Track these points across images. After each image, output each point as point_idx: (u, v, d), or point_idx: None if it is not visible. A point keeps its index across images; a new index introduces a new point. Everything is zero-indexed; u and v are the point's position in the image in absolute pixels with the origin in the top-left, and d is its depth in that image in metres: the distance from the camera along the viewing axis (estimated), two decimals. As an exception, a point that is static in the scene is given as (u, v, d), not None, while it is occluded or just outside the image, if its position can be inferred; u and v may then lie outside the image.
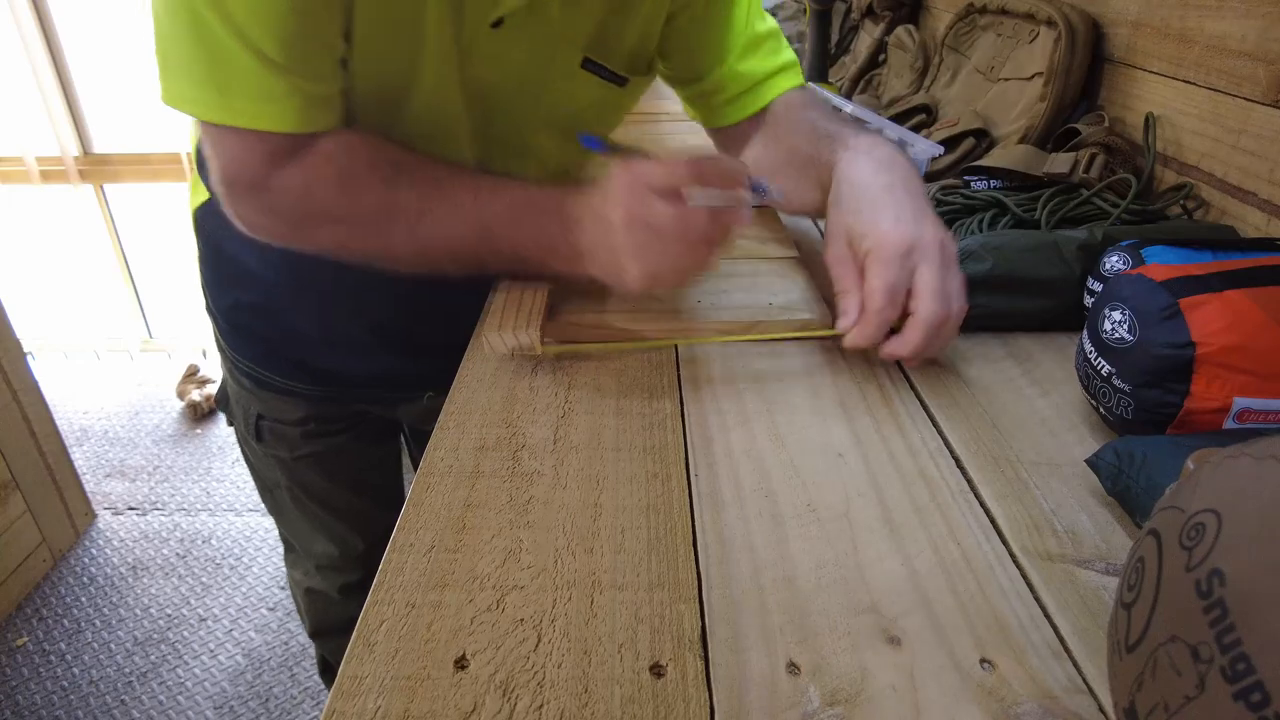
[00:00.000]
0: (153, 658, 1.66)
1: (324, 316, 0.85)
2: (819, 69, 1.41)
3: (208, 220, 0.82)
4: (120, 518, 2.07)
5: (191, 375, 2.59)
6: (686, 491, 0.53)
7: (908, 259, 0.58)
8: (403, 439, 1.18)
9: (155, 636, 1.71)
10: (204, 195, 0.80)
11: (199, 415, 2.48)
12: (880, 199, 0.61)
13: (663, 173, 0.54)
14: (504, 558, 0.47)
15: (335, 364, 0.89)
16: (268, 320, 0.87)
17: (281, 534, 1.15)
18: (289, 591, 1.31)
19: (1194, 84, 0.85)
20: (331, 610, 1.16)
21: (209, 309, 0.92)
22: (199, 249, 0.87)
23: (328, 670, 1.30)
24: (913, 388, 0.65)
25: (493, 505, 0.51)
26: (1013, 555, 0.48)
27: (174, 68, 0.58)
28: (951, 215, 0.90)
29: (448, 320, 0.82)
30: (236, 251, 0.82)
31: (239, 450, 1.06)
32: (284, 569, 1.84)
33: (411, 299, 0.83)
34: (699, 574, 0.46)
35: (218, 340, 0.94)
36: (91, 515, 2.05)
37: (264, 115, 0.57)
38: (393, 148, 0.63)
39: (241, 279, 0.84)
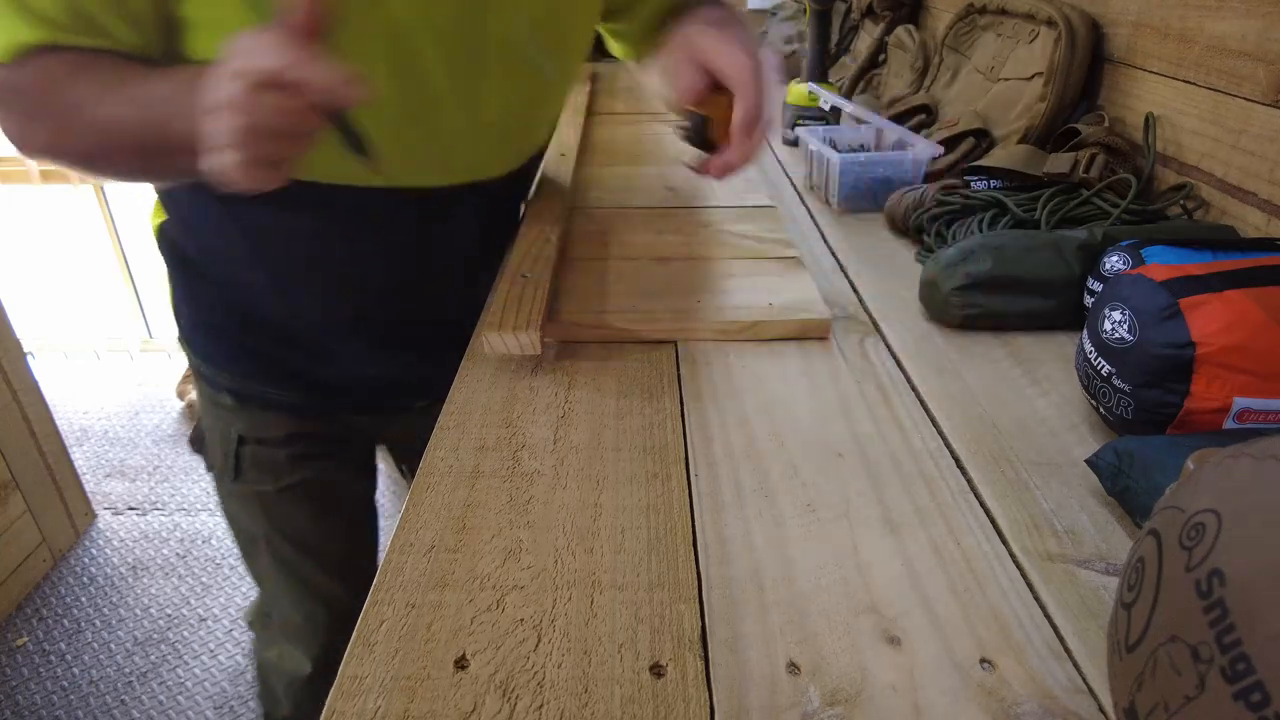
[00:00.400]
0: (153, 658, 1.66)
1: (301, 305, 0.80)
2: (819, 69, 1.40)
3: (169, 232, 0.80)
4: (120, 518, 2.07)
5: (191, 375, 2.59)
6: (686, 491, 0.53)
7: (758, 78, 0.67)
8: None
9: (155, 636, 1.71)
10: (163, 215, 0.80)
11: (199, 415, 2.48)
12: (725, 32, 0.71)
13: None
14: (504, 558, 0.47)
15: (318, 364, 0.84)
16: (244, 319, 0.82)
17: (258, 608, 1.05)
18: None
19: (1194, 84, 0.85)
20: (307, 693, 1.02)
21: (182, 335, 0.87)
22: (167, 269, 0.84)
23: None
24: (913, 388, 0.65)
25: (493, 505, 0.51)
26: (1013, 555, 0.48)
27: None
28: (951, 215, 0.90)
29: (431, 305, 0.80)
30: (203, 252, 0.79)
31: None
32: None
33: (390, 283, 0.80)
34: (699, 574, 0.46)
35: (195, 368, 0.89)
36: (91, 515, 2.05)
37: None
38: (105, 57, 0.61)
39: (213, 280, 0.81)
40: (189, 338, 0.87)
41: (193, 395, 2.51)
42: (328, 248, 0.76)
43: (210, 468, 0.94)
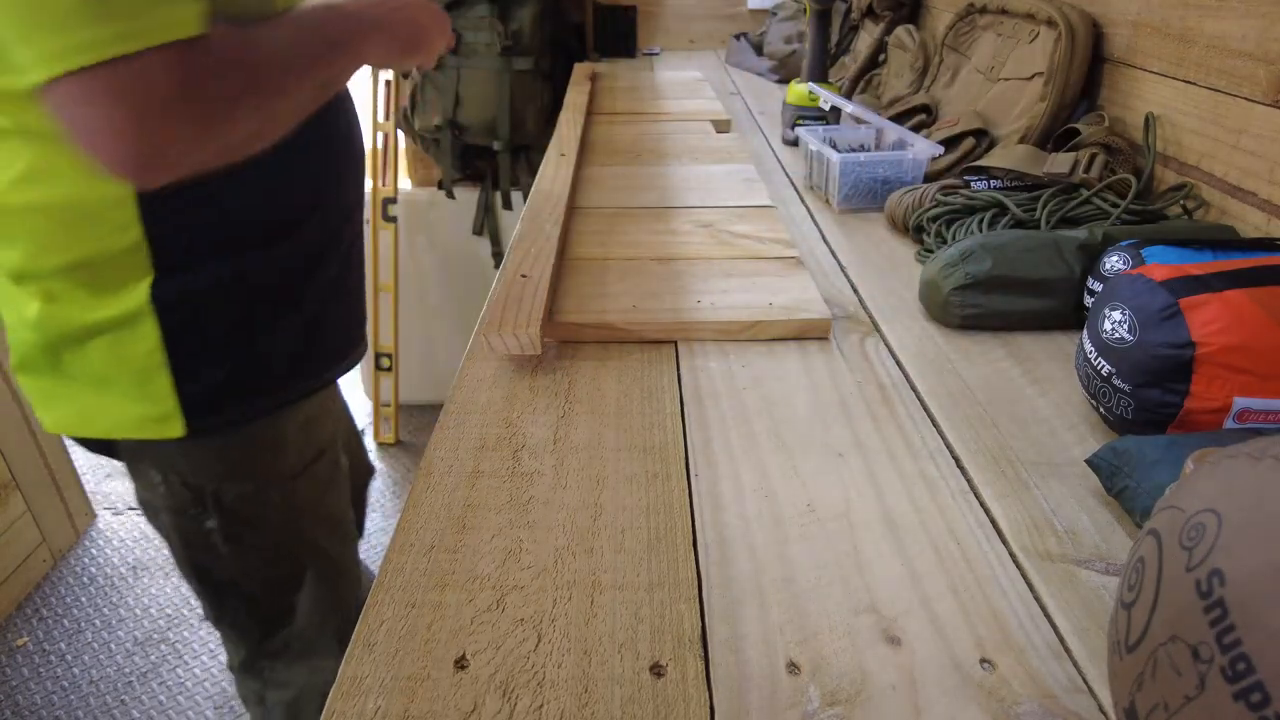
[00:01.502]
0: (153, 658, 1.66)
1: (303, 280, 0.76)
2: (819, 69, 1.40)
3: (173, 289, 0.68)
4: (120, 518, 2.07)
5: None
6: (686, 491, 0.53)
7: None
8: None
9: (155, 636, 1.71)
10: (146, 276, 0.66)
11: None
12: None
13: None
14: (504, 558, 0.47)
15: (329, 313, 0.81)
16: (272, 331, 0.75)
17: (267, 647, 0.94)
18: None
19: (1194, 84, 0.85)
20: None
21: (192, 406, 0.72)
22: (163, 339, 0.69)
23: None
24: (913, 388, 0.65)
25: (493, 505, 0.51)
26: (1013, 555, 0.48)
27: (49, 24, 0.47)
28: (951, 215, 0.90)
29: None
30: (215, 291, 0.70)
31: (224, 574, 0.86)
32: None
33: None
34: (699, 574, 0.46)
35: (219, 438, 0.76)
36: (91, 515, 2.05)
37: (175, 23, 0.49)
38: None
39: (238, 316, 0.73)
40: (221, 400, 0.74)
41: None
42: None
43: (229, 537, 0.82)
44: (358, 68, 0.71)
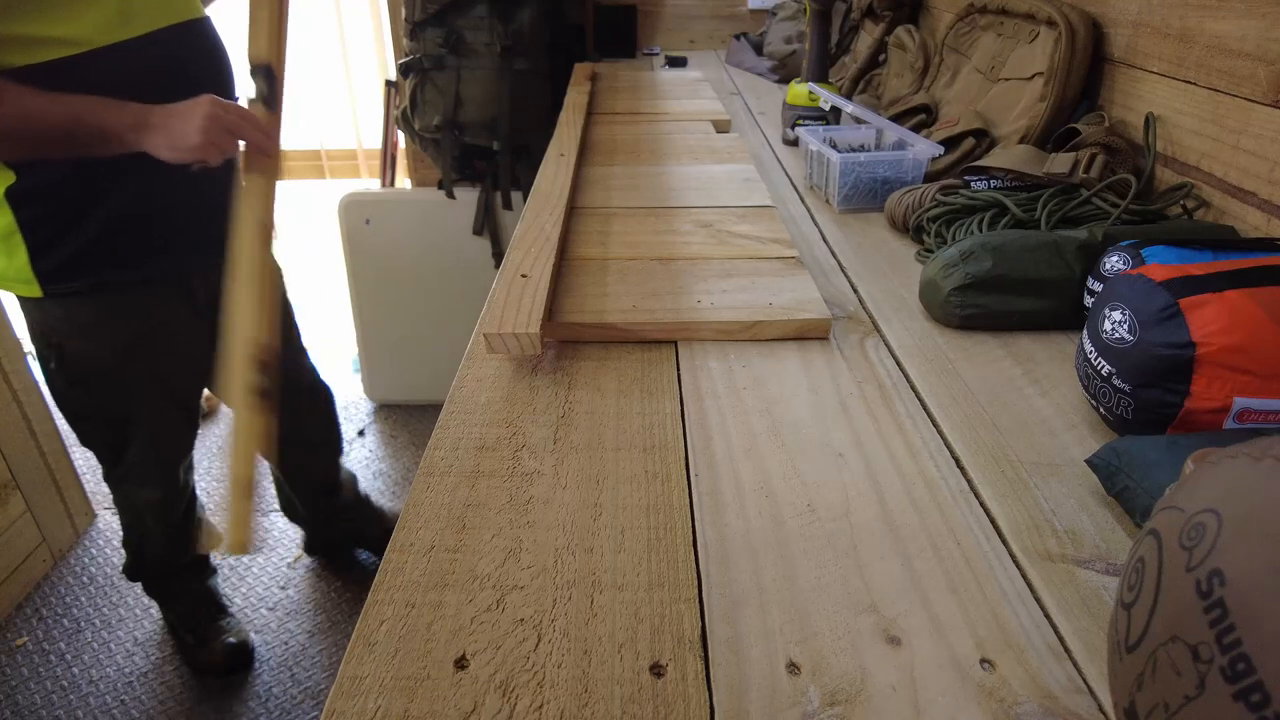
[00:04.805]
0: (153, 658, 1.66)
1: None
2: (819, 69, 1.40)
3: (21, 186, 1.05)
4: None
5: (191, 375, 2.58)
6: (686, 491, 0.53)
7: None
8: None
9: (155, 636, 1.71)
10: (7, 179, 1.05)
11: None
12: None
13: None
14: (504, 558, 0.47)
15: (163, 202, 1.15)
16: (112, 218, 1.09)
17: (118, 471, 1.38)
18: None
19: (1194, 84, 0.85)
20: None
21: (44, 273, 1.08)
22: (17, 221, 1.06)
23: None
24: (913, 388, 0.65)
25: (493, 505, 0.51)
26: (1013, 555, 0.48)
27: None
28: (951, 215, 0.90)
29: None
30: (59, 189, 1.05)
31: (71, 406, 1.28)
32: (286, 572, 1.84)
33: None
34: (699, 574, 0.46)
35: (57, 304, 1.12)
36: (91, 515, 2.05)
37: None
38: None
39: (74, 208, 1.06)
40: (63, 270, 1.09)
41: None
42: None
43: (72, 381, 1.20)
44: (112, 150, 0.96)
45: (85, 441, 1.34)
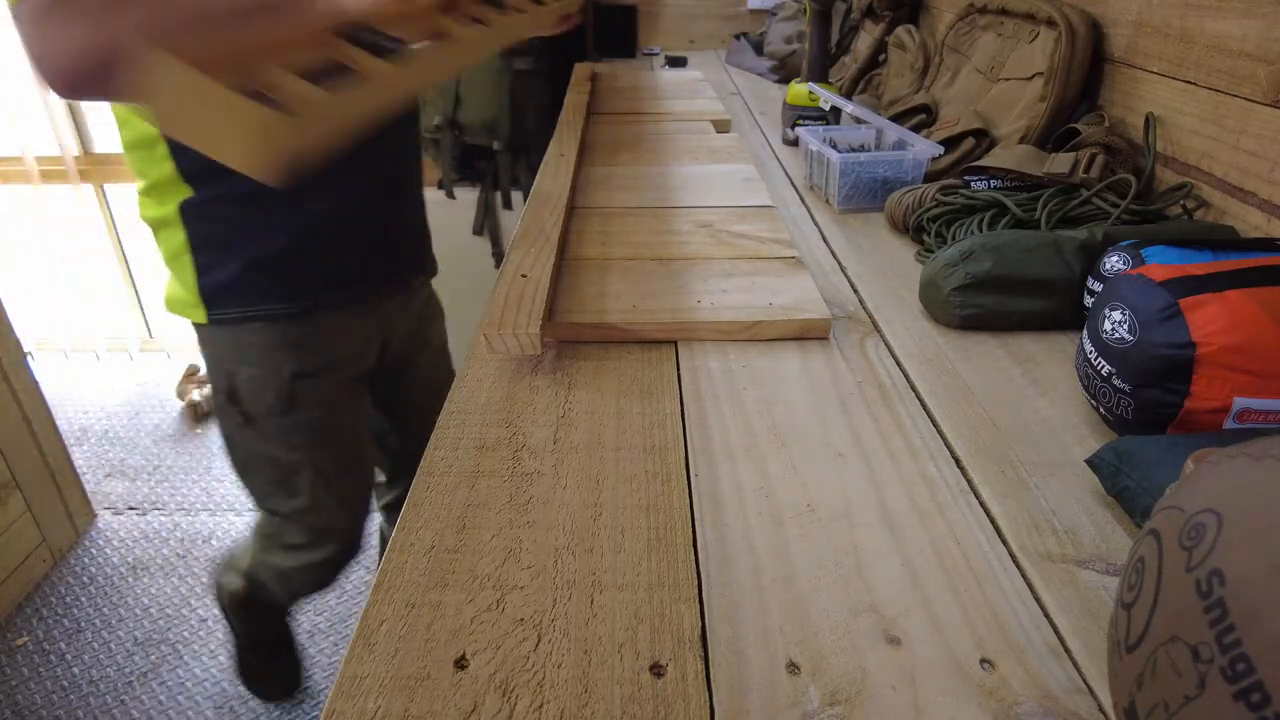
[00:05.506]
0: (153, 658, 1.66)
1: (339, 198, 0.95)
2: (819, 69, 1.40)
3: (195, 207, 0.91)
4: (120, 518, 2.06)
5: (191, 375, 2.58)
6: (686, 491, 0.53)
7: None
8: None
9: (155, 636, 1.71)
10: (182, 195, 0.90)
11: (199, 415, 2.48)
12: None
13: None
14: (504, 558, 0.47)
15: (351, 243, 1.00)
16: (303, 237, 0.95)
17: (275, 523, 1.19)
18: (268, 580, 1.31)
19: (1194, 84, 0.85)
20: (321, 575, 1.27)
21: (214, 302, 0.96)
22: (192, 246, 0.93)
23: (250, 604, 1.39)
24: (913, 388, 0.65)
25: (493, 505, 0.51)
26: (1013, 555, 0.48)
27: None
28: (951, 215, 0.90)
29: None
30: (235, 205, 0.91)
31: (241, 453, 1.10)
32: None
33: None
34: (699, 574, 0.46)
35: (224, 331, 0.98)
36: (91, 515, 2.05)
37: None
38: None
39: (246, 226, 0.92)
40: (229, 293, 0.96)
41: (193, 395, 2.51)
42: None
43: (246, 419, 1.05)
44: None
45: (257, 499, 1.17)
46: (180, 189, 0.90)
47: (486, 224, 2.23)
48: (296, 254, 0.96)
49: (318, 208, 0.95)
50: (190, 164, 0.88)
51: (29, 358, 1.85)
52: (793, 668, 0.40)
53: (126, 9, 0.62)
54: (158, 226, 0.94)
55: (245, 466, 1.11)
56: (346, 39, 0.54)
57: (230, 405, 1.04)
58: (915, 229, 0.94)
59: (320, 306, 1.00)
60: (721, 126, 1.42)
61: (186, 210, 0.91)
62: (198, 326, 0.99)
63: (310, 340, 1.02)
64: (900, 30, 1.50)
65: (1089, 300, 0.71)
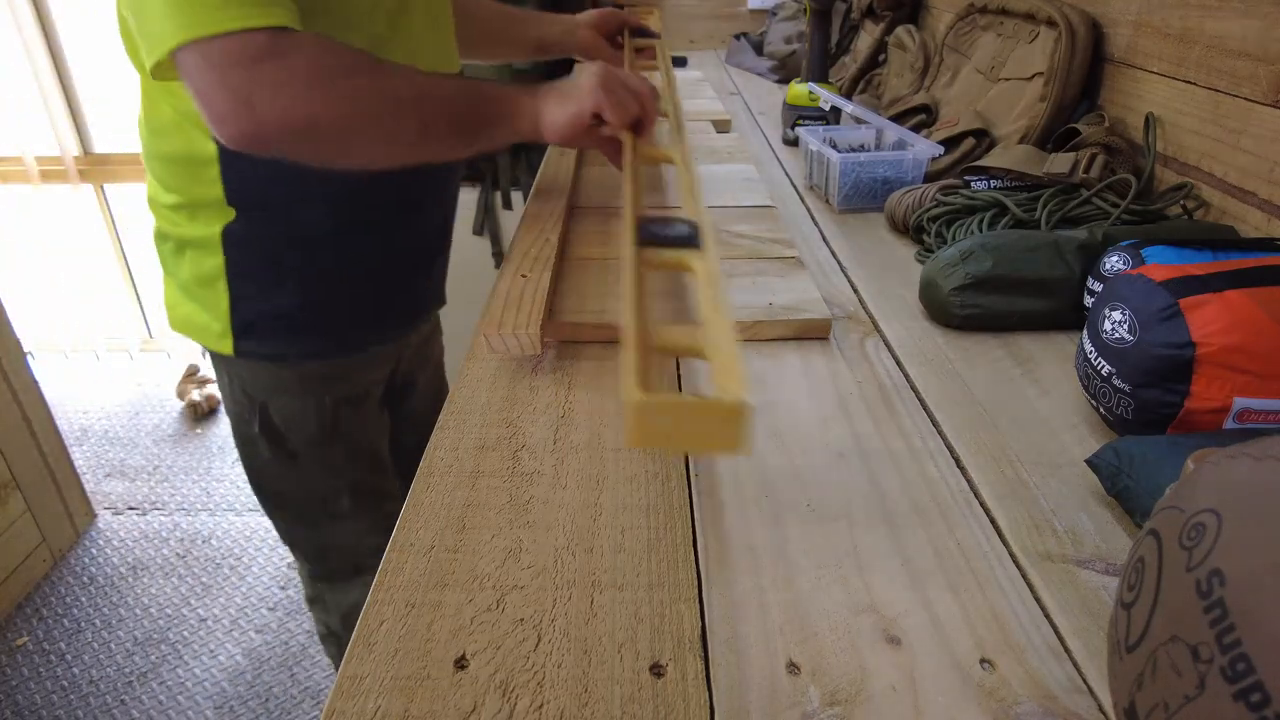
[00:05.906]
0: (153, 658, 1.66)
1: (370, 245, 0.92)
2: (819, 69, 1.40)
3: (241, 234, 0.84)
4: (120, 518, 2.07)
5: (191, 375, 2.58)
6: (686, 491, 0.53)
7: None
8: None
9: (155, 636, 1.71)
10: (227, 216, 0.83)
11: (199, 415, 2.48)
12: None
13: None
14: (504, 558, 0.47)
15: (393, 288, 0.97)
16: (332, 284, 0.91)
17: (321, 569, 1.14)
18: (311, 624, 1.23)
19: (1194, 84, 0.85)
20: None
21: (249, 334, 0.89)
22: (226, 265, 0.86)
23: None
24: (913, 388, 0.65)
25: (493, 505, 0.51)
26: (1013, 555, 0.48)
27: (152, 15, 0.62)
28: (951, 215, 0.90)
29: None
30: (285, 241, 0.86)
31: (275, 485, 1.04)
32: (286, 572, 1.80)
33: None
34: (699, 574, 0.46)
35: (266, 357, 0.92)
36: (91, 515, 2.05)
37: (254, 14, 0.63)
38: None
39: (296, 263, 0.87)
40: (268, 327, 0.90)
41: (193, 395, 2.51)
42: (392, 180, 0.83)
43: (282, 450, 0.99)
44: (498, 133, 0.79)
45: (287, 538, 1.12)
46: (224, 212, 0.83)
47: (486, 224, 2.23)
48: (348, 295, 0.92)
49: (374, 251, 0.92)
50: (243, 190, 0.82)
51: (29, 358, 1.85)
52: (793, 668, 0.40)
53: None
54: (188, 245, 0.87)
55: (279, 499, 1.05)
56: (647, 243, 0.58)
57: (262, 436, 0.96)
58: (915, 229, 0.94)
59: (368, 343, 0.98)
60: (721, 126, 1.41)
61: (229, 235, 0.84)
62: (223, 357, 0.92)
63: (352, 372, 0.98)
64: (900, 30, 1.50)
65: (1089, 300, 0.71)
